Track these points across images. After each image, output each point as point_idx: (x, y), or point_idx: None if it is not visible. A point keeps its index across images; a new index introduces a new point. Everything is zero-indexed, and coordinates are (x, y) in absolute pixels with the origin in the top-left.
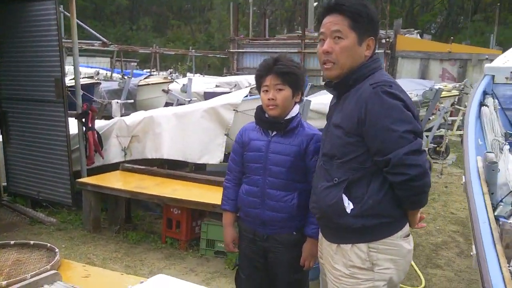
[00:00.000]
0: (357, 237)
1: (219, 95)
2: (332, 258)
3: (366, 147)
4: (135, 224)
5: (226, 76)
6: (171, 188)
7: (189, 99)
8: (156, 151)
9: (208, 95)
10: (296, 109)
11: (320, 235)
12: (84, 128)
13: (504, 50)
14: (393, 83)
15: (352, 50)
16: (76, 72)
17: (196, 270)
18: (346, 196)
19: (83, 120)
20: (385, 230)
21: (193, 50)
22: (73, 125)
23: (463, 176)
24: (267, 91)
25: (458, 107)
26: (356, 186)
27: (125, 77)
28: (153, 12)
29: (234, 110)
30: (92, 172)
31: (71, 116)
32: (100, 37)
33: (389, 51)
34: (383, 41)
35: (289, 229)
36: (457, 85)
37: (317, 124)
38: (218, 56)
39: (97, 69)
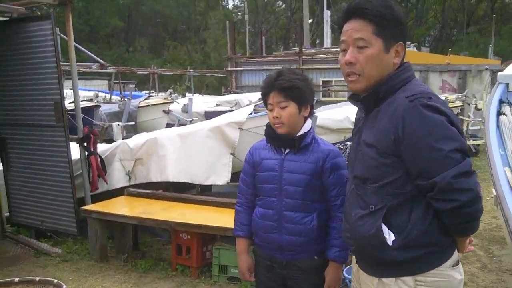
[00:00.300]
0: (402, 270)
1: (220, 114)
2: None
3: (404, 169)
4: (143, 251)
5: (225, 94)
6: (178, 212)
7: (191, 119)
8: (161, 173)
9: (209, 115)
10: (308, 124)
11: (356, 266)
12: (86, 153)
13: (503, 60)
14: (432, 95)
15: (378, 59)
16: (76, 94)
17: None
18: (385, 225)
19: (85, 144)
20: (433, 260)
21: (191, 70)
22: (75, 150)
23: (493, 189)
24: (271, 109)
25: (462, 117)
26: (396, 214)
27: (125, 99)
28: (149, 33)
29: (239, 128)
30: (96, 198)
31: (72, 141)
32: (98, 59)
33: None
34: None
35: (310, 253)
36: (460, 96)
37: (326, 138)
38: (216, 75)
39: (96, 92)
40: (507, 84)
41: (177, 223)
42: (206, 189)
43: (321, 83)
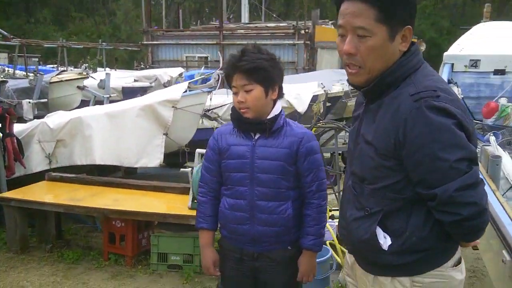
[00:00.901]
0: (398, 271)
1: (139, 90)
2: None
3: (405, 173)
4: (68, 239)
5: (137, 69)
6: (111, 198)
7: (108, 96)
8: (87, 156)
9: (127, 91)
10: (278, 107)
11: (352, 258)
12: (1, 134)
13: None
14: (440, 90)
15: (382, 49)
16: None
17: None
18: (381, 229)
19: None
20: (432, 262)
21: (103, 43)
22: None
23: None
24: (236, 93)
25: None
26: (393, 219)
27: (38, 74)
28: (52, 4)
29: (173, 107)
30: (13, 183)
31: None
32: (1, 30)
33: (308, 42)
34: (302, 32)
35: (284, 244)
36: None
37: None
38: (130, 49)
39: (2, 66)
40: (452, 64)
41: (111, 210)
42: (131, 172)
43: None
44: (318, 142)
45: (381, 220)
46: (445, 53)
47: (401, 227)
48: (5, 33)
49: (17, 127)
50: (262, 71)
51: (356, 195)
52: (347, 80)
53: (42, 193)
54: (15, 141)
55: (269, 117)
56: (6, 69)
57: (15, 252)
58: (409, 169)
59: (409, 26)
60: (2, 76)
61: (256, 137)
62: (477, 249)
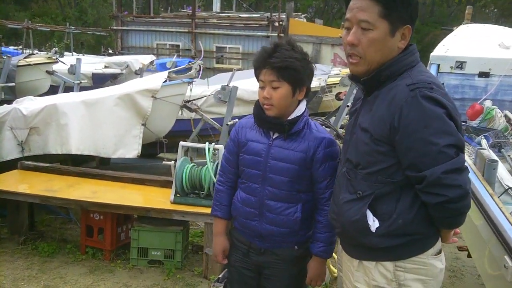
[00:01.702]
0: (382, 255)
1: (109, 77)
2: (352, 275)
3: (396, 158)
4: (41, 231)
5: (105, 55)
6: (89, 190)
7: (78, 82)
8: (62, 145)
9: (96, 77)
10: (301, 108)
11: (340, 247)
12: None
13: None
14: (434, 84)
15: (382, 42)
16: None
17: (130, 285)
18: (370, 212)
19: None
20: (415, 248)
21: (72, 27)
22: None
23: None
24: (263, 87)
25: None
26: (383, 202)
27: (4, 56)
28: None
29: (152, 97)
30: None
31: None
32: None
33: (282, 35)
34: (276, 24)
35: (290, 244)
36: None
37: (239, 111)
38: (94, 33)
39: None
40: (438, 65)
41: (91, 203)
42: (105, 162)
43: (214, 49)
44: (338, 148)
45: (371, 204)
46: (431, 54)
47: (390, 211)
48: None
49: None
50: (292, 70)
51: (350, 179)
52: (348, 76)
53: (15, 183)
54: None
55: (290, 117)
56: None
57: None
58: (400, 153)
59: (409, 26)
60: None
61: (274, 137)
62: (464, 250)
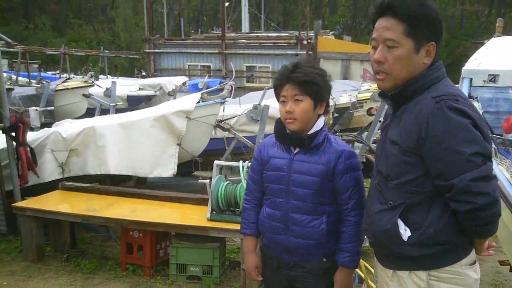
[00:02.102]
0: (415, 264)
1: (144, 99)
2: (387, 285)
3: (425, 169)
4: (83, 249)
5: (138, 77)
6: (128, 209)
7: (114, 104)
8: (101, 166)
9: (131, 99)
10: (321, 122)
11: (375, 259)
12: (14, 144)
13: None
14: (459, 96)
15: (407, 59)
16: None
17: None
18: (402, 221)
19: (13, 134)
20: (448, 257)
21: (105, 51)
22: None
23: None
24: (284, 102)
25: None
26: (414, 212)
27: (44, 81)
28: (51, 10)
29: (186, 117)
30: (26, 192)
31: None
32: (3, 36)
33: (311, 53)
34: (305, 42)
35: (318, 256)
36: None
37: (271, 128)
38: (128, 56)
39: (9, 74)
40: (471, 79)
41: (130, 221)
42: (141, 181)
43: (244, 69)
44: (358, 160)
45: (402, 213)
46: (463, 68)
47: (421, 220)
48: (8, 39)
49: (29, 136)
50: (314, 85)
51: (381, 190)
52: (378, 94)
53: (57, 203)
54: (29, 150)
55: (310, 132)
56: (13, 76)
57: (32, 261)
58: (429, 163)
59: (433, 43)
60: (8, 84)
61: (295, 151)
62: (505, 264)
